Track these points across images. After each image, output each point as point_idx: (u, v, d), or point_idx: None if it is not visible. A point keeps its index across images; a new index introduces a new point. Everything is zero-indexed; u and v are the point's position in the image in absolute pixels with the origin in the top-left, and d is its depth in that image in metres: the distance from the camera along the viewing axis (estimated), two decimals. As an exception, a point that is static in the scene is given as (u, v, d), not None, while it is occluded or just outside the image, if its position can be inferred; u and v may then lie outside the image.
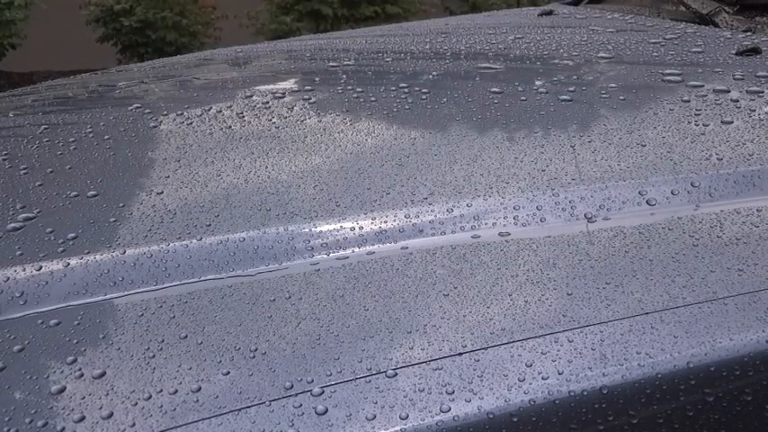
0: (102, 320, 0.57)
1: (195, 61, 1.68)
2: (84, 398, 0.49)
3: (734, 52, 1.07)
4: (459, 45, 1.41)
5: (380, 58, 1.36)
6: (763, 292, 0.57)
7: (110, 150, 0.90)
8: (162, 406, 0.48)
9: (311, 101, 1.02)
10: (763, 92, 0.90)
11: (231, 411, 0.47)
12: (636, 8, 1.59)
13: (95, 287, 0.60)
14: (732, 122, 0.81)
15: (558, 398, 0.50)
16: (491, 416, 0.48)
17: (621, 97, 0.93)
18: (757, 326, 0.54)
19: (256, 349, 0.52)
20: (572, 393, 0.50)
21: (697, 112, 0.84)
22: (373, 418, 0.47)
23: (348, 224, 0.66)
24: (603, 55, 1.15)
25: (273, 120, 0.94)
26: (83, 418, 0.47)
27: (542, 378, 0.50)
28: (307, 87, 1.13)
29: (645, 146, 0.77)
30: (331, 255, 0.63)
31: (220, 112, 0.99)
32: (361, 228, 0.65)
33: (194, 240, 0.65)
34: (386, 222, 0.66)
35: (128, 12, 6.78)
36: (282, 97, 1.04)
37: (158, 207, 0.72)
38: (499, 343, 0.52)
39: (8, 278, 0.61)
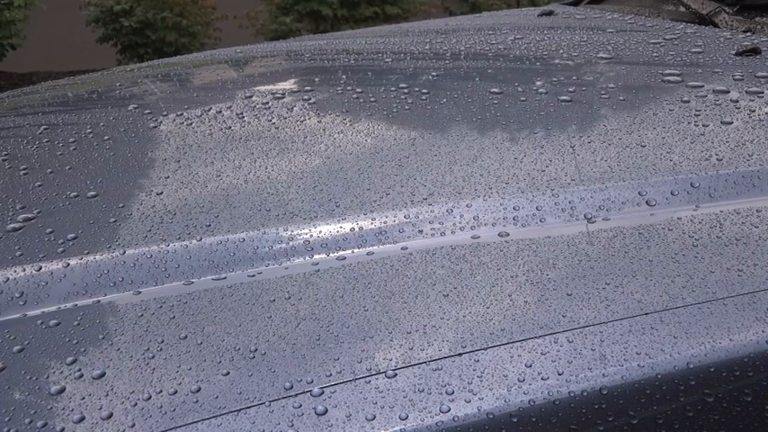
0: (102, 320, 0.57)
1: (195, 62, 1.68)
2: (83, 398, 0.49)
3: (734, 52, 1.07)
4: (459, 45, 1.41)
5: (380, 59, 1.36)
6: (763, 292, 0.57)
7: (110, 150, 0.90)
8: (161, 406, 0.48)
9: (311, 101, 1.02)
10: (763, 92, 0.90)
11: (231, 412, 0.47)
12: (636, 8, 1.59)
13: (95, 287, 0.61)
14: (732, 123, 0.81)
15: (557, 398, 0.49)
16: (491, 416, 0.48)
17: (621, 97, 0.93)
18: (757, 326, 0.54)
19: (256, 350, 0.52)
20: (572, 394, 0.50)
21: (697, 113, 0.84)
22: (373, 419, 0.47)
23: (348, 224, 0.66)
24: (603, 55, 1.15)
25: (273, 120, 0.94)
26: (82, 419, 0.47)
27: (542, 378, 0.50)
28: (306, 88, 1.13)
29: (645, 146, 0.77)
30: (331, 255, 0.63)
31: (220, 112, 0.99)
32: (360, 228, 0.65)
33: (194, 240, 0.65)
34: (385, 223, 0.66)
35: (127, 12, 6.79)
36: (282, 98, 1.04)
37: (158, 207, 0.72)
38: (499, 343, 0.52)
39: (8, 278, 0.61)
